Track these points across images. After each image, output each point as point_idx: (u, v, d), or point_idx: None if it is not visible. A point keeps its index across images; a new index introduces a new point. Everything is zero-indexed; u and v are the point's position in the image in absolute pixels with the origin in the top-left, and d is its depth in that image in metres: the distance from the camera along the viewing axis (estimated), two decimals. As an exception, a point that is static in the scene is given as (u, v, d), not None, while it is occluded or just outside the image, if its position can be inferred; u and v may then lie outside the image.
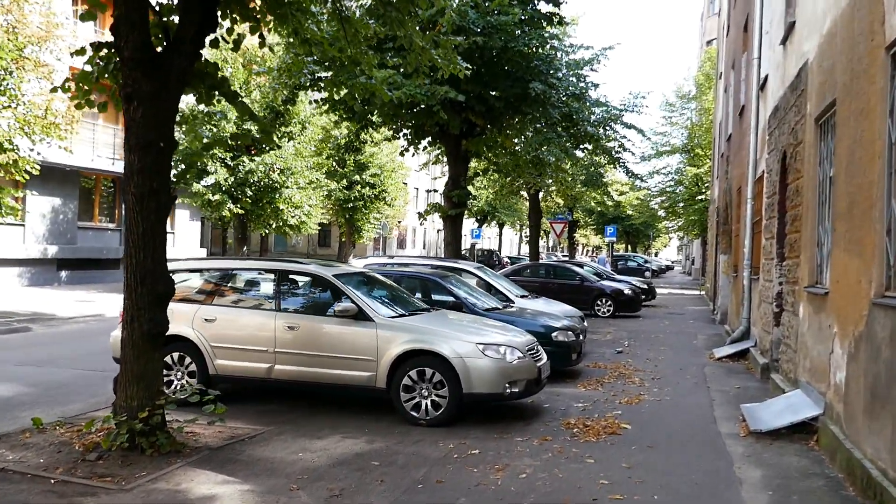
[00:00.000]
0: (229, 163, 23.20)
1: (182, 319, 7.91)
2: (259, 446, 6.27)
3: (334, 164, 31.89)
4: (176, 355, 7.92)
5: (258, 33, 7.21)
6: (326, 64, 9.07)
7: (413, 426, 7.00)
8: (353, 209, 33.35)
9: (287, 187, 24.39)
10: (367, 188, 32.77)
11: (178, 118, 7.40)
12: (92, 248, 25.80)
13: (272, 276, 8.01)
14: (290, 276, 8.07)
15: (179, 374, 7.93)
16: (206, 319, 7.85)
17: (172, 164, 6.40)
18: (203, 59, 6.57)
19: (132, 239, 6.05)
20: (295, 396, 8.10)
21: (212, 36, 6.55)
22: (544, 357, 7.83)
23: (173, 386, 7.90)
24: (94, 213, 26.59)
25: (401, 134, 15.13)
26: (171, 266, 8.48)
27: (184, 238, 30.59)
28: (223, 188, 23.23)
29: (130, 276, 6.06)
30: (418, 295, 10.25)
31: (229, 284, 8.22)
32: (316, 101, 14.63)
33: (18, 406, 7.89)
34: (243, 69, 22.28)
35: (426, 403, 7.09)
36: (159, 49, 6.18)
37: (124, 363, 6.11)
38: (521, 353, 7.31)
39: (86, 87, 6.67)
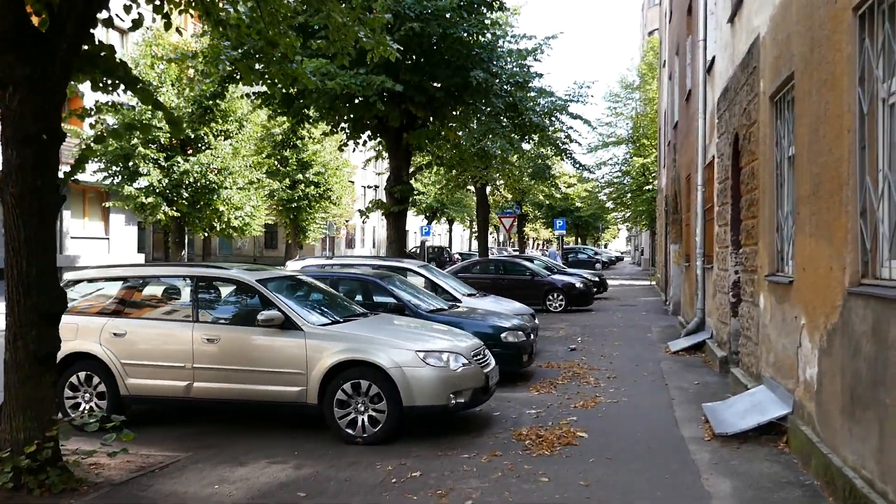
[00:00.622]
0: (163, 163, 22.07)
1: (88, 334, 7.09)
2: (170, 478, 5.50)
3: (276, 162, 30.83)
4: (82, 375, 7.09)
5: (162, 13, 6.43)
6: (244, 50, 8.29)
7: (348, 445, 6.31)
8: (298, 209, 32.35)
9: (225, 188, 23.34)
10: (311, 187, 31.79)
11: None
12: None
13: (188, 282, 7.21)
14: (209, 283, 7.29)
15: (87, 395, 7.09)
16: (114, 334, 7.02)
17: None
18: (97, 41, 5.77)
19: (13, 246, 5.22)
20: (220, 417, 7.33)
21: (105, 14, 5.76)
22: (492, 362, 7.21)
23: (81, 409, 7.07)
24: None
25: (339, 128, 14.34)
26: (72, 275, 7.75)
27: (120, 244, 29.23)
28: (157, 190, 22.08)
29: (12, 288, 5.24)
30: (359, 298, 9.57)
31: (141, 294, 7.39)
32: (248, 94, 13.75)
33: None
34: (174, 63, 21.12)
35: (363, 419, 6.40)
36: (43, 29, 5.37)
37: (7, 390, 5.28)
38: (467, 359, 6.68)
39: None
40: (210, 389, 6.76)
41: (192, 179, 22.32)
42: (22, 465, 5.08)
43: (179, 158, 22.05)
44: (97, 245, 28.18)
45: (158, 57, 21.42)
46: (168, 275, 7.59)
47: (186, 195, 22.66)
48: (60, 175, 5.52)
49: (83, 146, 5.84)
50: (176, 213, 22.92)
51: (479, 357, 6.95)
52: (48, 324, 5.33)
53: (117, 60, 5.93)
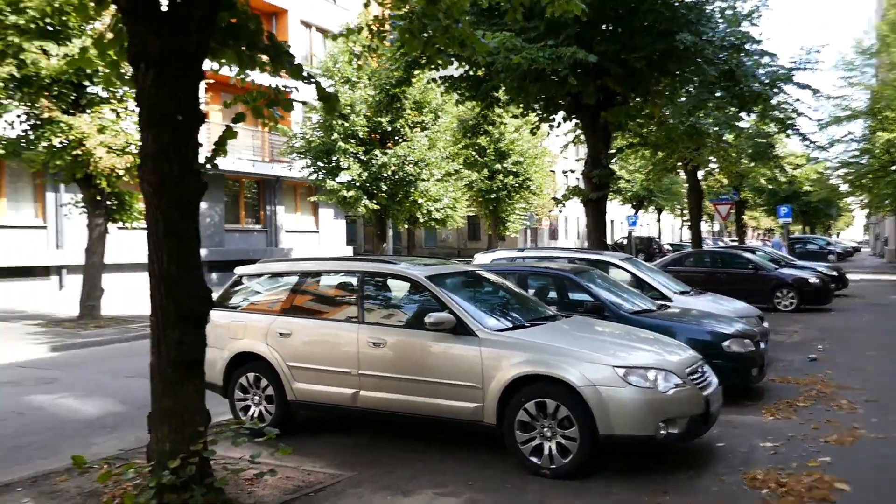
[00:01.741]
0: (362, 157, 22.32)
1: (256, 334, 6.60)
2: (326, 505, 4.75)
3: (473, 153, 30.40)
4: (251, 376, 6.62)
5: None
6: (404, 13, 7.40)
7: (533, 476, 5.22)
8: (497, 200, 31.74)
9: (423, 179, 23.19)
10: (510, 177, 31.01)
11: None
12: (239, 250, 25.92)
13: (354, 279, 6.48)
14: (376, 280, 6.51)
15: (256, 398, 6.61)
16: (280, 333, 6.47)
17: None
18: (242, 9, 5.13)
19: (153, 240, 4.69)
20: (388, 429, 6.55)
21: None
22: (713, 380, 5.75)
23: (250, 412, 6.62)
24: (241, 215, 26.78)
25: (530, 110, 13.24)
26: (240, 270, 7.33)
27: (329, 237, 30.36)
28: (357, 184, 22.40)
29: (154, 287, 4.73)
30: (551, 297, 8.43)
31: (307, 290, 6.78)
32: (434, 80, 13.12)
33: (100, 430, 6.99)
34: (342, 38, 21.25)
35: (550, 447, 5.27)
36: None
37: (153, 397, 4.79)
38: (680, 377, 5.30)
39: (113, 57, 5.44)
40: (377, 399, 5.97)
41: (389, 172, 22.36)
42: (164, 480, 4.54)
43: (377, 152, 22.17)
44: (308, 238, 29.45)
45: (352, 52, 21.59)
46: (333, 270, 6.92)
47: (385, 188, 22.77)
48: (202, 160, 4.93)
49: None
50: (376, 206, 23.15)
51: (695, 375, 5.53)
52: (191, 326, 4.76)
53: (265, 32, 5.26)
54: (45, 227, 19.92)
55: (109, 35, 5.27)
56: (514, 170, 31.13)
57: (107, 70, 5.55)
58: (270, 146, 27.01)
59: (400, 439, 6.29)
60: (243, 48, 5.27)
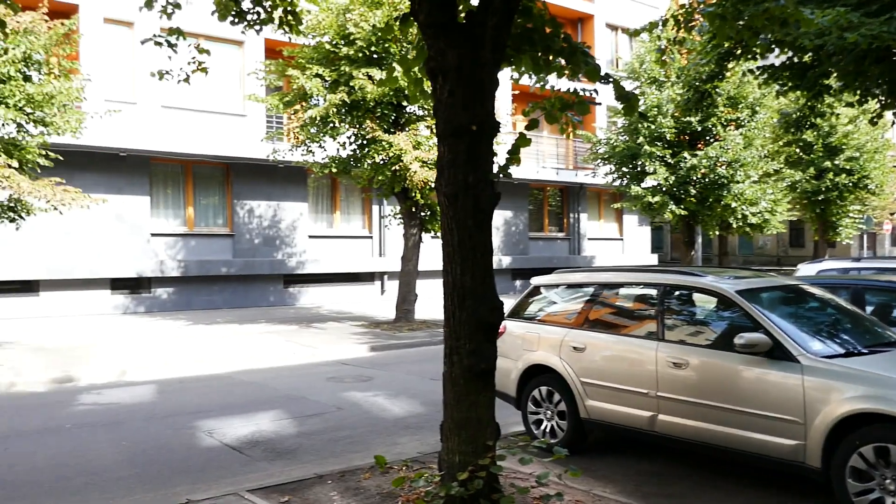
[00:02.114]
0: (669, 160, 21.28)
1: (549, 346, 6.45)
2: (613, 540, 4.40)
3: (797, 150, 27.40)
4: (544, 390, 6.47)
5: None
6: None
7: (869, 537, 4.33)
8: (826, 202, 28.22)
9: (737, 182, 21.41)
10: (843, 175, 27.36)
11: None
12: (542, 258, 26.42)
13: (654, 291, 6.00)
14: (679, 293, 5.95)
15: (549, 412, 6.45)
16: (574, 347, 6.23)
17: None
18: (536, 10, 5.00)
19: (447, 251, 4.75)
20: (686, 458, 5.95)
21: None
22: None
23: (543, 426, 6.49)
24: (544, 223, 27.25)
25: (870, 97, 11.39)
26: (536, 280, 7.21)
27: (633, 244, 29.60)
28: (664, 189, 21.41)
29: (447, 298, 4.78)
30: None
31: (604, 302, 6.45)
32: (750, 71, 11.93)
33: (404, 430, 7.40)
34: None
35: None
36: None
37: (445, 407, 4.85)
38: None
39: (417, 75, 5.68)
40: (677, 426, 5.44)
41: (699, 175, 21.02)
42: (453, 492, 4.55)
43: (686, 154, 20.96)
44: (611, 246, 29.00)
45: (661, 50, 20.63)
46: (632, 282, 6.49)
47: (694, 192, 21.44)
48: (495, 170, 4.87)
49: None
50: (684, 212, 21.91)
51: None
52: (484, 336, 4.72)
53: (560, 34, 5.06)
54: (370, 237, 22.13)
55: (413, 54, 5.49)
56: (848, 167, 27.38)
57: (411, 87, 5.84)
58: (574, 153, 27.10)
59: (697, 469, 5.69)
60: (539, 53, 5.15)
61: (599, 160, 23.61)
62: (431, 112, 15.51)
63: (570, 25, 27.56)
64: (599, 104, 5.42)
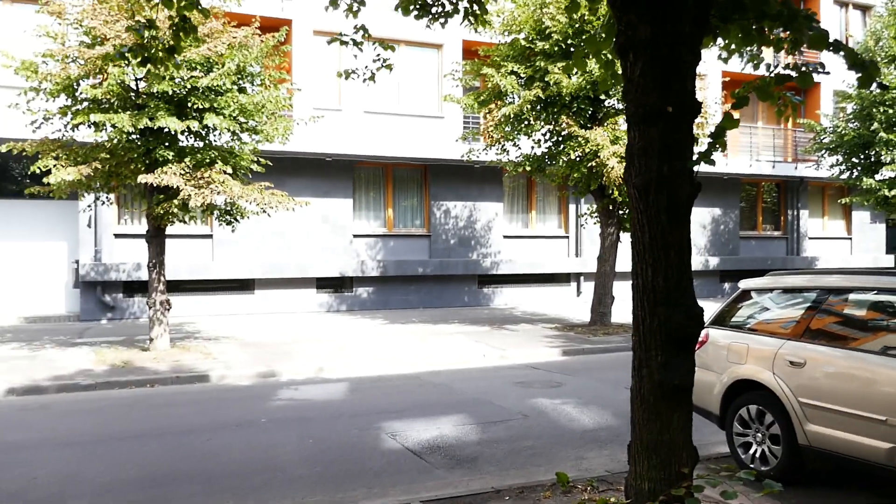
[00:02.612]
0: (910, 149, 18.62)
1: (760, 359, 5.63)
2: None
3: None
4: (753, 409, 5.66)
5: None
6: None
7: None
8: None
9: None
10: None
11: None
12: (755, 259, 24.34)
13: (893, 298, 4.99)
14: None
15: (759, 436, 5.63)
16: (791, 362, 5.37)
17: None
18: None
19: (637, 249, 4.21)
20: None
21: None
22: None
23: (751, 451, 5.67)
24: (757, 221, 25.09)
25: None
26: (746, 283, 6.36)
27: (863, 244, 26.42)
28: (903, 181, 18.79)
29: (636, 302, 4.24)
30: None
31: (828, 310, 5.50)
32: None
33: (592, 443, 6.93)
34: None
35: None
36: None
37: (633, 426, 4.31)
38: None
39: (607, 57, 5.16)
40: (926, 464, 4.46)
41: (949, 165, 18.19)
42: (643, 525, 4.01)
43: (931, 140, 18.22)
44: (837, 246, 26.10)
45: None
46: (864, 286, 5.46)
47: (943, 184, 18.62)
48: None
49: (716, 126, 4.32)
50: (929, 208, 19.11)
51: None
52: (678, 348, 4.12)
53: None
54: (566, 237, 21.55)
55: (603, 33, 4.99)
56: None
57: (602, 71, 5.35)
58: (794, 144, 24.68)
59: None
60: (751, 20, 4.42)
61: (824, 150, 21.27)
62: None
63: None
64: (828, 73, 4.54)
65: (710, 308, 17.58)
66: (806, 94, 25.07)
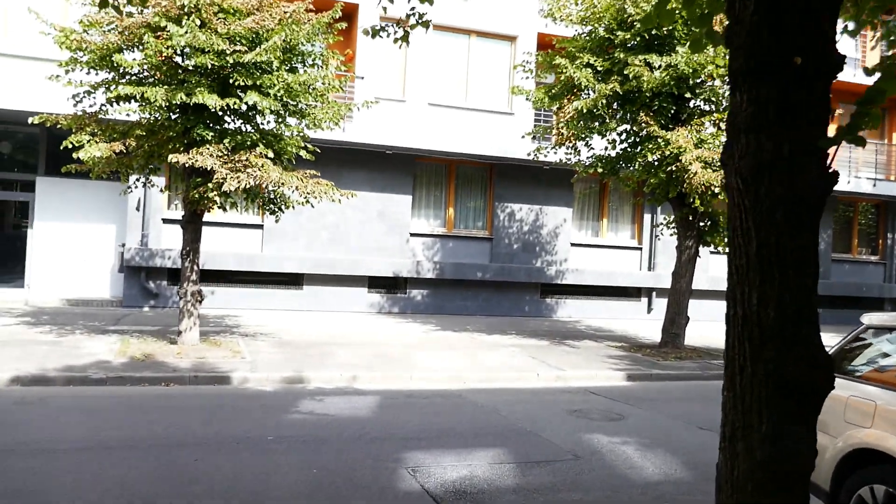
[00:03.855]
0: None
1: (889, 421, 4.21)
2: None
3: None
4: (880, 490, 4.24)
5: None
6: None
7: None
8: None
9: None
10: None
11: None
12: (847, 285, 22.19)
13: None
14: None
15: (884, 523, 4.22)
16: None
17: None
18: None
19: (736, 265, 2.91)
20: None
21: None
22: None
23: (874, 544, 4.26)
24: (853, 244, 22.89)
25: None
26: (870, 318, 4.93)
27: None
28: None
29: (732, 338, 2.94)
30: None
31: None
32: None
33: (654, 501, 5.56)
34: None
35: None
36: None
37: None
38: None
39: (703, 10, 3.89)
40: None
41: None
42: None
43: None
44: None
45: None
46: None
47: None
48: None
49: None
50: None
51: None
52: (795, 412, 2.80)
53: None
54: (639, 249, 19.99)
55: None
56: None
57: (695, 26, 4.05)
58: (898, 162, 22.43)
59: None
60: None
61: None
62: (719, 106, 13.19)
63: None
64: None
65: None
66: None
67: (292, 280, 17.20)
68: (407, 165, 17.79)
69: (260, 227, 16.81)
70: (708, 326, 16.63)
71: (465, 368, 10.99)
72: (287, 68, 10.72)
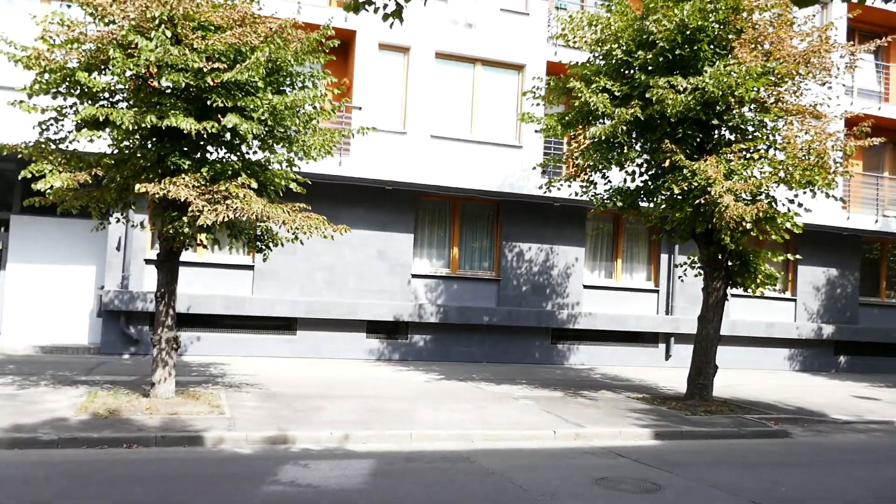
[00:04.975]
0: None
1: None
2: None
3: None
4: None
5: None
6: None
7: None
8: None
9: None
10: None
11: None
12: (877, 330, 20.87)
13: None
14: None
15: None
16: None
17: None
18: None
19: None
20: None
21: None
22: None
23: None
24: (881, 286, 21.62)
25: None
26: None
27: None
28: None
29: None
30: None
31: None
32: None
33: None
34: None
35: None
36: None
37: None
38: None
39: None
40: None
41: None
42: None
43: None
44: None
45: None
46: None
47: None
48: None
49: None
50: None
51: None
52: None
53: None
54: (656, 291, 18.76)
55: None
56: None
57: None
58: (928, 199, 21.28)
59: None
60: None
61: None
62: (745, 134, 12.12)
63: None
64: None
65: (820, 384, 14.42)
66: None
67: (285, 325, 15.98)
68: (408, 202, 16.70)
69: (251, 268, 15.66)
70: (731, 375, 15.35)
71: (473, 425, 9.70)
72: (273, 90, 9.69)
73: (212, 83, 8.96)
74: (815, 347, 20.38)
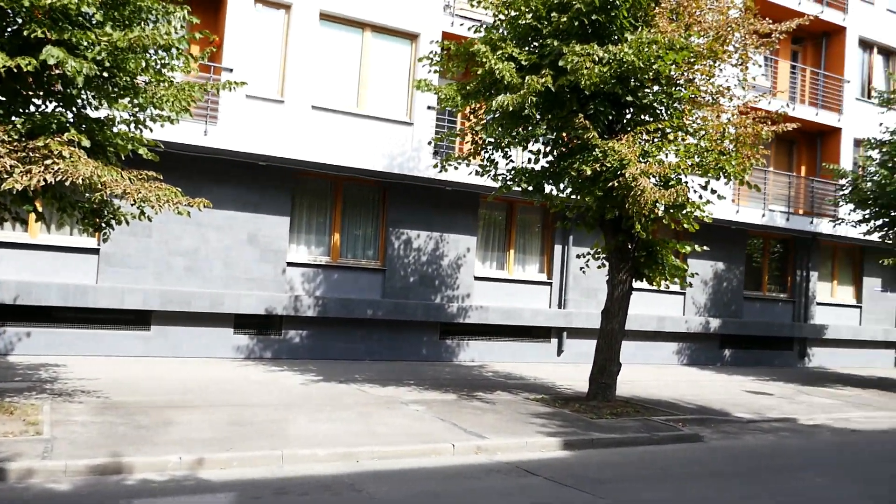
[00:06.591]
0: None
1: None
2: None
3: None
4: None
5: None
6: None
7: None
8: None
9: None
10: None
11: None
12: (758, 324, 20.96)
13: None
14: None
15: None
16: None
17: None
18: None
19: None
20: None
21: None
22: None
23: None
24: (763, 280, 21.78)
25: None
26: None
27: (873, 314, 23.30)
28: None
29: None
30: None
31: None
32: None
33: None
34: None
35: None
36: None
37: None
38: None
39: None
40: None
41: None
42: None
43: None
44: (846, 315, 22.99)
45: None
46: None
47: None
48: None
49: None
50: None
51: None
52: None
53: None
54: (549, 283, 17.83)
55: None
56: None
57: None
58: (810, 195, 21.56)
59: None
60: None
61: (852, 202, 18.10)
62: (666, 113, 11.20)
63: (813, 41, 22.30)
64: None
65: (711, 378, 13.68)
66: (823, 143, 22.19)
67: (137, 319, 13.75)
68: (285, 181, 14.84)
69: (95, 251, 13.34)
70: (625, 371, 14.52)
71: (357, 439, 8.17)
72: (116, 26, 7.73)
73: (30, 7, 6.92)
74: (702, 341, 20.20)
